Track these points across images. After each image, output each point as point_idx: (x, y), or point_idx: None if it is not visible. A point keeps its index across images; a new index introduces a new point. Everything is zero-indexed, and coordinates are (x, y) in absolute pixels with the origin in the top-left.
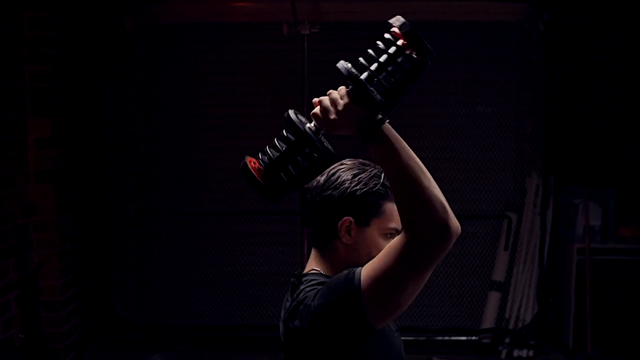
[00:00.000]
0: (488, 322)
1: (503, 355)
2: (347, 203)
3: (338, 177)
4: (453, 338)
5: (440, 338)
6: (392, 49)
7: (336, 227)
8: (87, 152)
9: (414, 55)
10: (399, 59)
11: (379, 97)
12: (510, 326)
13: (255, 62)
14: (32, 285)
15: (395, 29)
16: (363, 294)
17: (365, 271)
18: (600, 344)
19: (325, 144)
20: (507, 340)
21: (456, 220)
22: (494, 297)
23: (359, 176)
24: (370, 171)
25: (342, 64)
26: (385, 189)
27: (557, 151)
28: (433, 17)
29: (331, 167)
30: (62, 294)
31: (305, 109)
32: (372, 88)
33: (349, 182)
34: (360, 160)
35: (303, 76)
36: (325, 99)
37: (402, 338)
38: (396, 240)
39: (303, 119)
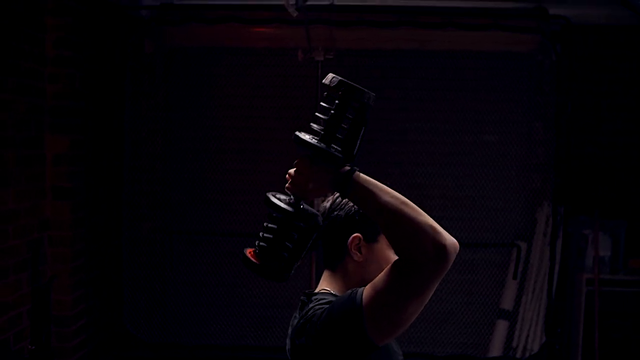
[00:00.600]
0: (495, 350)
1: None
2: (353, 221)
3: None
4: None
5: None
6: (334, 105)
7: (346, 246)
8: (103, 170)
9: (355, 103)
10: (343, 111)
11: (338, 152)
12: (518, 355)
13: (273, 86)
14: (44, 298)
15: (328, 86)
16: (364, 312)
17: (367, 291)
18: None
19: (308, 211)
20: None
21: (451, 238)
22: (501, 326)
23: None
24: None
25: (296, 135)
26: None
27: (568, 181)
28: (445, 47)
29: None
30: (73, 309)
31: None
32: (326, 146)
33: None
34: None
35: (317, 102)
36: (293, 171)
37: None
38: (395, 264)
39: (282, 197)
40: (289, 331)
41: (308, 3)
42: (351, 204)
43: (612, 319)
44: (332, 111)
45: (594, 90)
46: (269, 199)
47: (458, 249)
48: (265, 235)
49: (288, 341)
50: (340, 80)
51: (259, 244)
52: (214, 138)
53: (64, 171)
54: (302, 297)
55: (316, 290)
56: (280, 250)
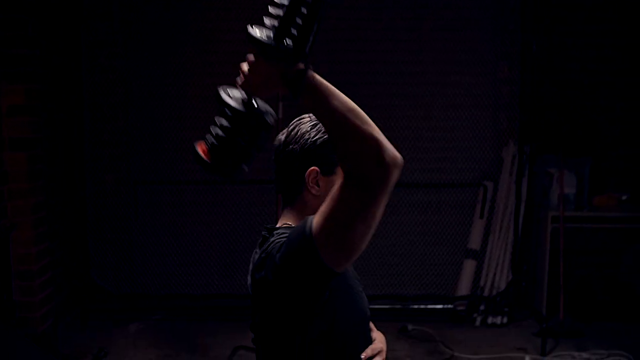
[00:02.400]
0: (463, 289)
1: (477, 323)
2: (309, 154)
3: (298, 131)
4: (429, 306)
5: (415, 306)
6: (285, 1)
7: (304, 180)
8: (63, 120)
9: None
10: (297, 7)
11: (287, 46)
12: (485, 294)
13: (232, 31)
14: (2, 249)
15: None
16: (315, 239)
17: (316, 217)
18: (572, 310)
19: (260, 108)
20: (481, 307)
21: (393, 153)
22: (469, 265)
23: (317, 126)
24: None
25: (247, 33)
26: None
27: (533, 120)
28: None
29: (290, 124)
30: (37, 263)
31: None
32: (275, 42)
33: (308, 133)
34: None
35: None
36: (245, 65)
37: (378, 306)
38: (340, 183)
39: (234, 92)
40: (250, 267)
41: None
42: (306, 136)
43: (576, 256)
44: (285, 6)
45: (560, 28)
46: (220, 96)
47: (400, 164)
48: (216, 132)
49: (249, 277)
50: None
51: (210, 141)
52: (174, 85)
53: (20, 122)
54: (263, 232)
55: (277, 226)
56: (231, 148)
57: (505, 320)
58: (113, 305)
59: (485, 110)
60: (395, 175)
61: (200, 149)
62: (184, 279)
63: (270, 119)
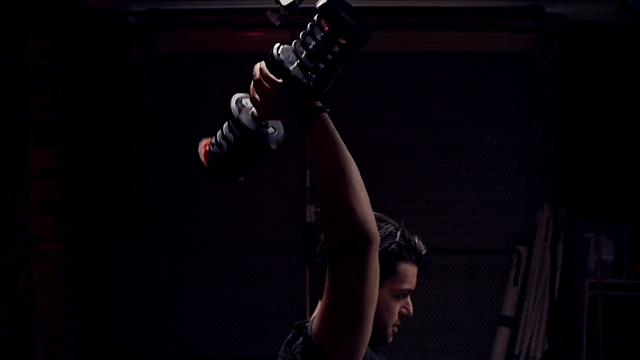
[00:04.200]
0: (497, 358)
1: None
2: None
3: None
4: None
5: None
6: (319, 35)
7: None
8: (92, 181)
9: (341, 40)
10: (326, 44)
11: (308, 83)
12: None
13: None
14: (23, 322)
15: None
16: (319, 343)
17: (315, 320)
18: None
19: (268, 132)
20: None
21: (367, 232)
22: (503, 333)
23: None
24: (386, 228)
25: (273, 52)
26: (400, 249)
27: (568, 183)
28: (440, 48)
29: None
30: (63, 325)
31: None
32: (298, 75)
33: None
34: (376, 214)
35: None
36: (257, 72)
37: None
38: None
39: (247, 106)
40: None
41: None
42: None
43: (616, 324)
44: (315, 41)
45: (593, 89)
46: (231, 111)
47: (372, 243)
48: (220, 141)
49: None
50: (331, 17)
51: (214, 150)
52: None
53: (50, 185)
54: (292, 330)
55: (310, 319)
56: (231, 159)
57: None
58: None
59: (519, 172)
60: (365, 253)
61: (203, 149)
62: (211, 341)
63: (274, 146)
